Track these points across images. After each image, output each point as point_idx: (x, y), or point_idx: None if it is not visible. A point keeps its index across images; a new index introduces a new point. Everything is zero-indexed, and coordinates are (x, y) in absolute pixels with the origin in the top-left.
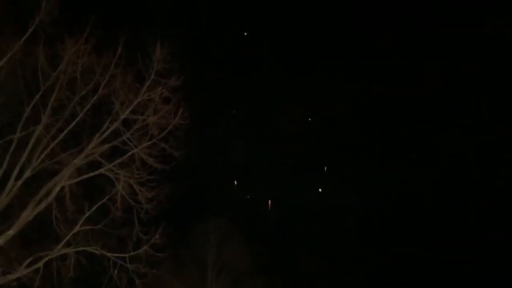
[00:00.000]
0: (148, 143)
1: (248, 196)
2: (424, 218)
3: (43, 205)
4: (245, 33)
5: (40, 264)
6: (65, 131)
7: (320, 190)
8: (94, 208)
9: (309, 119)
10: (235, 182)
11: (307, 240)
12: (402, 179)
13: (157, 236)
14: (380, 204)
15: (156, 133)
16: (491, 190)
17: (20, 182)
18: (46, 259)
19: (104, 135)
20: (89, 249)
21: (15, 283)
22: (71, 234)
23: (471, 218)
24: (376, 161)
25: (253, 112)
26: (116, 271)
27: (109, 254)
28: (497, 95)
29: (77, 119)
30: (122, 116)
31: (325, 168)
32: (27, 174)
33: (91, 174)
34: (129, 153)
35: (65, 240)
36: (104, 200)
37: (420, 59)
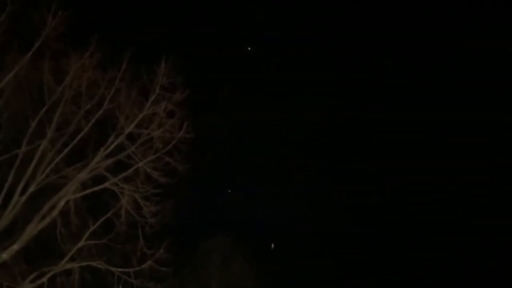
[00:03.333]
0: (153, 157)
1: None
2: None
3: (47, 220)
4: (249, 48)
5: (44, 279)
6: (70, 146)
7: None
8: (99, 222)
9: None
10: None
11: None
12: None
13: (161, 251)
14: None
15: (161, 147)
16: None
17: (24, 197)
18: (50, 274)
19: (109, 150)
20: (93, 264)
21: None
22: (75, 249)
23: None
24: None
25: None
26: (120, 286)
27: (113, 269)
28: None
29: (82, 133)
30: (127, 131)
31: None
32: (32, 189)
33: (95, 188)
34: (134, 167)
35: (69, 255)
36: (109, 214)
37: None
